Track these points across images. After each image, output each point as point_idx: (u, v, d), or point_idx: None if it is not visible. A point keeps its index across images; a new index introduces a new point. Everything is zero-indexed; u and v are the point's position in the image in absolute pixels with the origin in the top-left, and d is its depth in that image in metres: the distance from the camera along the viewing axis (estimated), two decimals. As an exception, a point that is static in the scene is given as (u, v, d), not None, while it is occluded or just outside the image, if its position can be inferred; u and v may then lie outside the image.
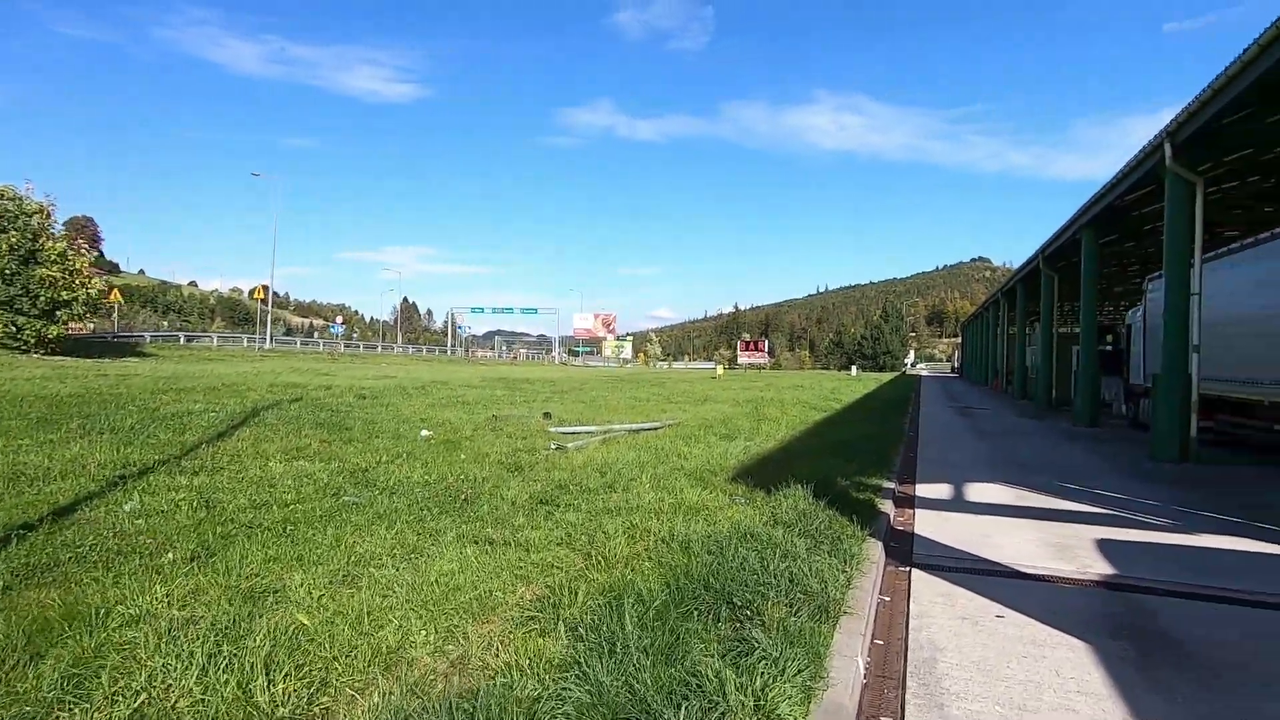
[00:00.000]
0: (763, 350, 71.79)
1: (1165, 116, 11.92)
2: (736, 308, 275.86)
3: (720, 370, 52.04)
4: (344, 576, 4.29)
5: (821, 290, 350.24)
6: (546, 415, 13.05)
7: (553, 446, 9.46)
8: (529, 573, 4.47)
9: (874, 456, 9.97)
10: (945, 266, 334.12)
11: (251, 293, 61.26)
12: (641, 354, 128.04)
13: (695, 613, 3.80)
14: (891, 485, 8.40)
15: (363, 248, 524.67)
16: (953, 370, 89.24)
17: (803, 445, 10.92)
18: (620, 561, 4.70)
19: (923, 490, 8.70)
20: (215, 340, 51.36)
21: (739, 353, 73.96)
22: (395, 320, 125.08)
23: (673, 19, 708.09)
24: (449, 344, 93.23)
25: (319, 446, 8.98)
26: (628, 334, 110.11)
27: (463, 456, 8.75)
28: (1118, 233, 20.01)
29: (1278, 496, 8.52)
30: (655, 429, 12.14)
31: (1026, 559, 5.74)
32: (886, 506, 7.30)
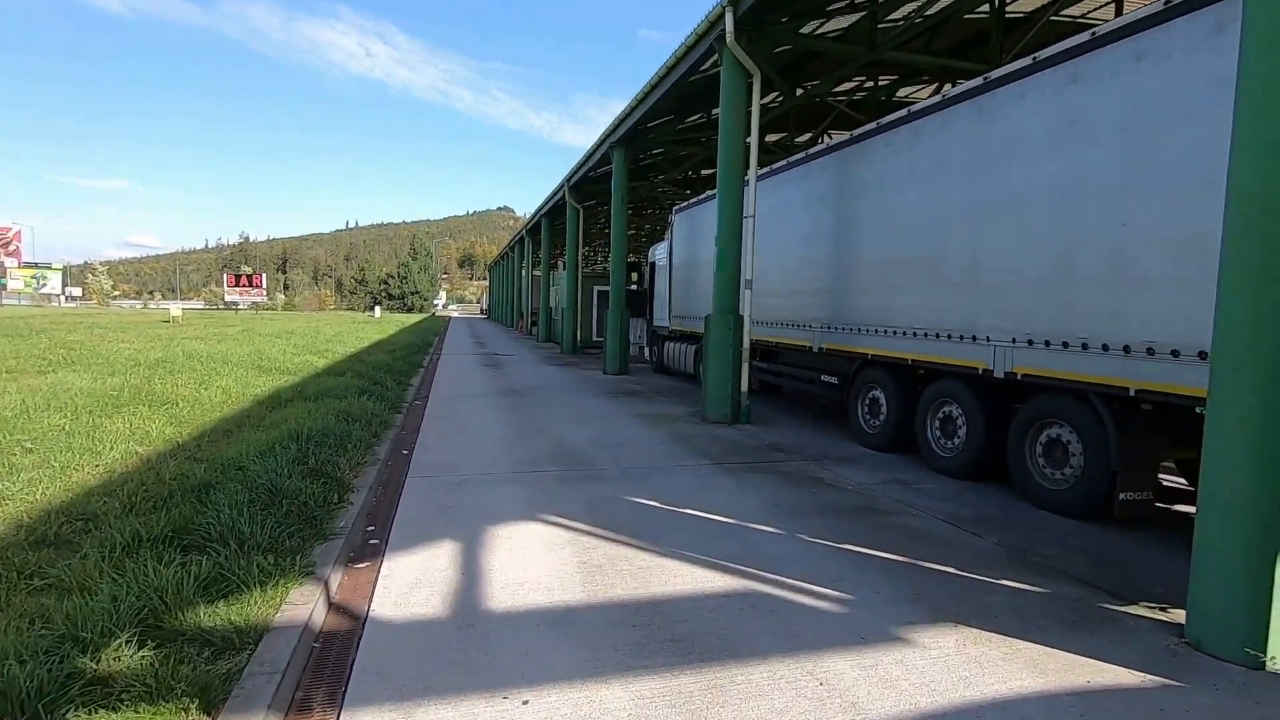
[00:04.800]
0: (259, 286, 57.58)
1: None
2: (246, 238, 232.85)
3: (177, 312, 38.25)
4: None
5: (352, 226, 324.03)
6: None
7: None
8: None
9: (305, 498, 4.62)
10: (475, 212, 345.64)
11: None
12: (95, 291, 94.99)
13: None
14: (300, 616, 3.19)
15: None
16: (481, 312, 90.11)
17: (143, 489, 4.81)
18: None
19: (390, 590, 3.77)
20: None
21: (227, 289, 58.04)
22: None
23: None
24: None
25: None
26: (61, 262, 78.19)
27: None
28: (648, 153, 18.65)
29: (874, 480, 6.37)
30: None
31: None
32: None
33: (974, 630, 3.40)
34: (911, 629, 3.39)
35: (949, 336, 6.49)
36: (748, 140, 9.29)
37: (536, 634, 3.28)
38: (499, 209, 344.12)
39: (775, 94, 12.40)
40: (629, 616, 3.47)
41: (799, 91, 12.77)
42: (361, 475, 5.73)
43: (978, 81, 6.14)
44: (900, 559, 4.35)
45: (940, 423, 6.80)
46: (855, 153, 8.01)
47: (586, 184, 20.80)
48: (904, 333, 7.11)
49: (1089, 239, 5.05)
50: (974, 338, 6.18)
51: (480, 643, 3.19)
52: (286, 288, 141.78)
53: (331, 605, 3.54)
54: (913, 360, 7.02)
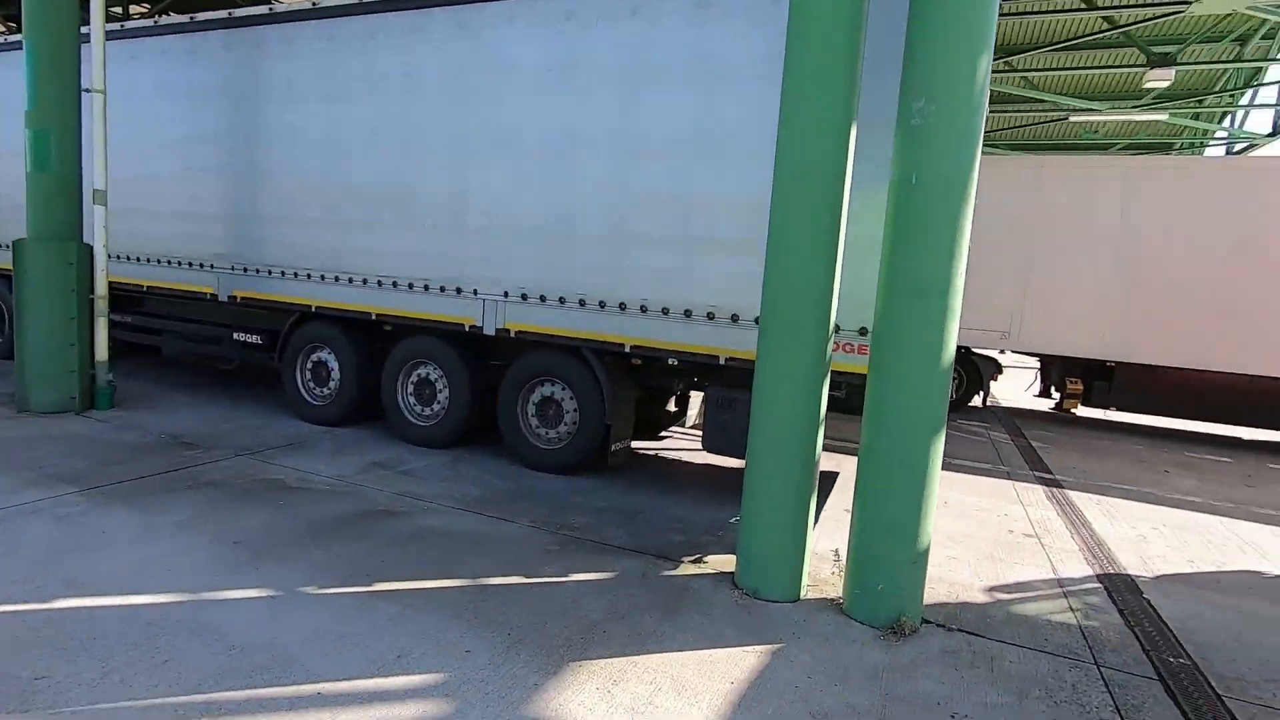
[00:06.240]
0: None
1: None
2: None
3: None
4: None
5: None
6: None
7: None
8: None
9: None
10: None
11: None
12: None
13: None
14: None
15: None
16: None
17: None
18: None
19: None
20: None
21: None
22: None
23: None
24: None
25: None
26: None
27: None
28: None
29: (351, 470, 4.98)
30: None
31: None
32: None
33: (601, 663, 2.76)
34: (544, 702, 2.51)
35: (427, 288, 5.54)
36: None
37: None
38: None
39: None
40: None
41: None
42: None
43: (458, -14, 5.21)
44: (459, 584, 3.35)
45: (416, 387, 5.86)
46: (281, 38, 5.97)
47: None
48: (365, 281, 5.78)
49: (590, 192, 4.89)
50: (459, 290, 5.42)
51: None
52: None
53: None
54: (378, 315, 5.80)
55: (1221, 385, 8.64)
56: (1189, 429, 9.66)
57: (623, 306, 4.87)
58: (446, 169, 5.35)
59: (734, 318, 4.52)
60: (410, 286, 5.59)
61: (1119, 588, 3.94)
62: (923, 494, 3.16)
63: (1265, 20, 9.48)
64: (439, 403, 5.75)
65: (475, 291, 5.36)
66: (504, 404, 5.45)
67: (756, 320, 4.33)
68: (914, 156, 3.04)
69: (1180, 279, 8.60)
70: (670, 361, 5.01)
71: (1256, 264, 8.33)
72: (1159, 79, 10.09)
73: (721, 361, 4.61)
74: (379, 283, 5.72)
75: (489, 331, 5.35)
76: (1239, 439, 9.35)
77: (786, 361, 3.36)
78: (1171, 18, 8.97)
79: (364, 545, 3.71)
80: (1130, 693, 2.84)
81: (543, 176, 5.01)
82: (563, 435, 5.31)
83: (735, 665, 2.83)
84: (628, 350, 4.91)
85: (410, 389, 5.88)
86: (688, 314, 4.67)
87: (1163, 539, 4.92)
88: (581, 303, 5.00)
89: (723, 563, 3.84)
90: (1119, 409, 9.25)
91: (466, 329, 5.43)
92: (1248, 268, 8.36)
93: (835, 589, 3.56)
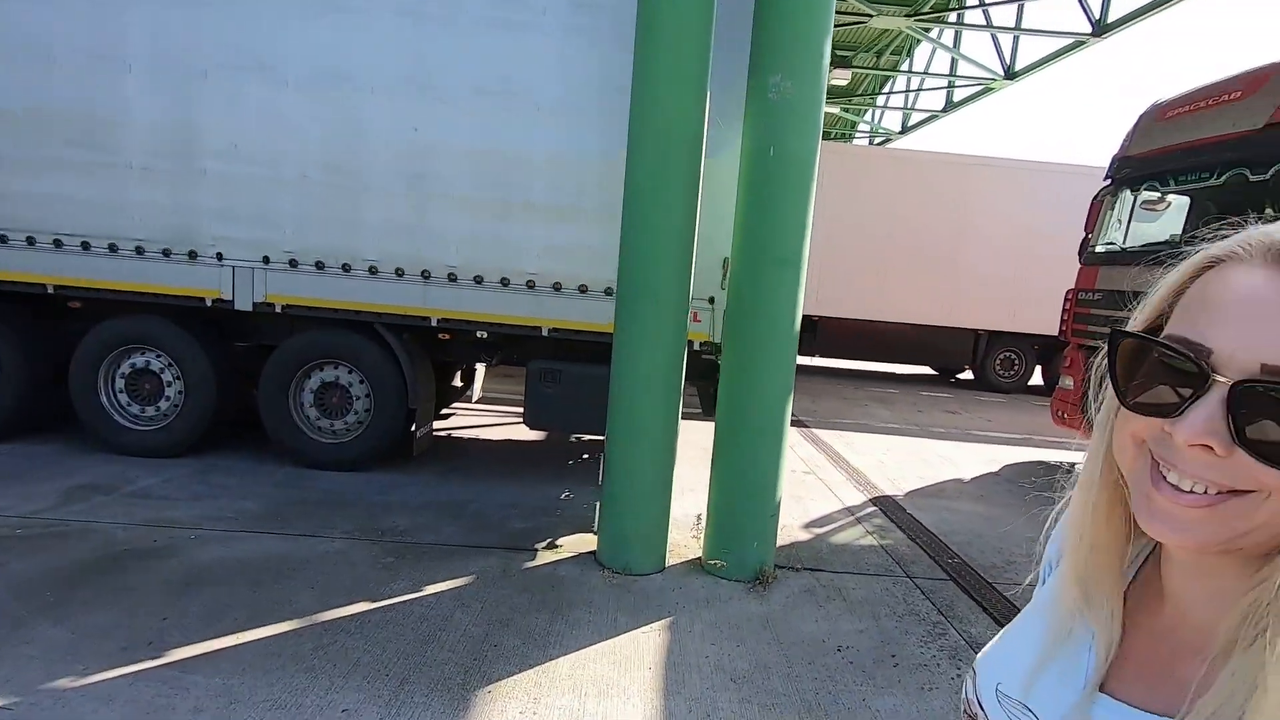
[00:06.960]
0: None
1: None
2: None
3: None
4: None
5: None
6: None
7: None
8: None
9: None
10: None
11: None
12: None
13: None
14: None
15: None
16: None
17: None
18: None
19: None
20: None
21: None
22: None
23: None
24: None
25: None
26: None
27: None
28: None
29: (49, 503, 3.62)
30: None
31: None
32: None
33: (510, 681, 2.46)
34: (473, 740, 2.15)
35: (141, 250, 4.21)
36: None
37: None
38: None
39: None
40: None
41: None
42: None
43: None
44: (290, 627, 2.68)
45: (129, 381, 4.47)
46: None
47: None
48: (33, 240, 4.18)
49: (377, 137, 4.14)
50: (194, 254, 4.23)
51: None
52: None
53: None
54: (60, 288, 4.26)
55: (880, 331, 10.84)
56: (868, 369, 11.99)
57: (426, 275, 4.28)
58: (169, 93, 4.08)
59: (556, 286, 4.28)
60: (113, 249, 4.21)
61: (889, 507, 4.75)
62: (780, 450, 3.38)
63: (901, 33, 11.81)
64: (168, 399, 4.49)
65: (220, 256, 4.24)
66: (269, 395, 4.46)
67: (581, 289, 4.26)
68: (772, 131, 3.14)
69: (854, 247, 10.48)
70: (479, 334, 4.59)
71: (893, 235, 10.51)
72: (839, 78, 12.01)
73: (544, 333, 4.35)
74: (58, 243, 4.20)
75: (243, 307, 4.29)
76: (895, 374, 11.89)
77: (650, 333, 3.28)
78: (854, 26, 10.70)
79: (126, 604, 2.75)
80: (939, 595, 3.44)
81: (314, 115, 4.11)
82: (352, 425, 4.56)
83: (643, 649, 2.75)
84: (434, 324, 4.36)
85: (120, 384, 4.48)
86: (505, 283, 4.30)
87: (893, 461, 6.06)
88: (373, 270, 4.27)
89: (577, 542, 3.69)
90: (822, 355, 11.08)
91: (209, 304, 4.29)
92: (887, 238, 10.51)
93: (692, 551, 3.67)
